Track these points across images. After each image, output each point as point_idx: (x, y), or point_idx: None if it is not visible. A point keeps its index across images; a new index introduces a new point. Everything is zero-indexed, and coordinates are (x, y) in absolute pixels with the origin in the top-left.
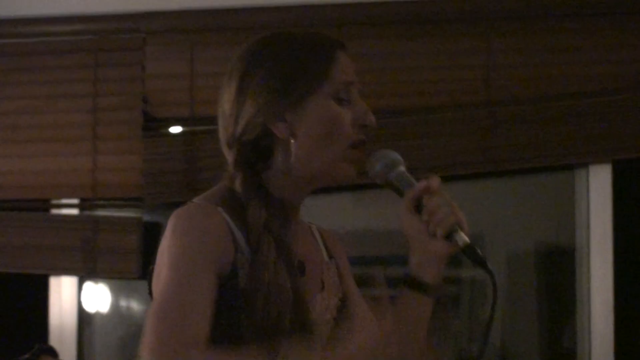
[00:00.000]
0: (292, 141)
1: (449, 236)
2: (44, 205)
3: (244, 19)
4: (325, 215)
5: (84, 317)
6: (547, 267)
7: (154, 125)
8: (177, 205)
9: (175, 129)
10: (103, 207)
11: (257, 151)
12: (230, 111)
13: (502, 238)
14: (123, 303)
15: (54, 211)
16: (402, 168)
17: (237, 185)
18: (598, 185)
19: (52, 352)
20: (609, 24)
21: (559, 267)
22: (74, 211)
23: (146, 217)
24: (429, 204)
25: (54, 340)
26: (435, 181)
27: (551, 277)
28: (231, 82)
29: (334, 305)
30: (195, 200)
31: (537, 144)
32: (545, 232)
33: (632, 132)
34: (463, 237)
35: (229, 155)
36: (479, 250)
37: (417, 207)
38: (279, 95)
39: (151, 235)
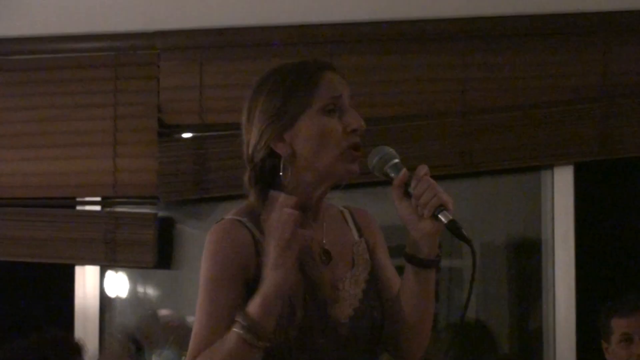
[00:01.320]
0: (293, 155)
1: (435, 216)
2: (70, 202)
3: (248, 37)
4: None
5: (105, 302)
6: (517, 257)
7: (167, 131)
8: (188, 202)
9: (187, 135)
10: (122, 204)
11: (266, 168)
12: (244, 137)
13: (477, 231)
14: (140, 289)
15: (79, 208)
16: (397, 160)
17: (252, 198)
18: (561, 185)
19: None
20: (569, 43)
21: (527, 257)
22: (97, 208)
23: (161, 213)
24: (416, 189)
25: (78, 323)
26: (422, 169)
27: (520, 265)
28: (243, 113)
29: (364, 279)
30: (228, 215)
31: (507, 148)
32: (515, 226)
33: (591, 137)
34: (447, 215)
35: (246, 173)
36: (460, 225)
37: (407, 192)
38: (275, 120)
39: (165, 229)
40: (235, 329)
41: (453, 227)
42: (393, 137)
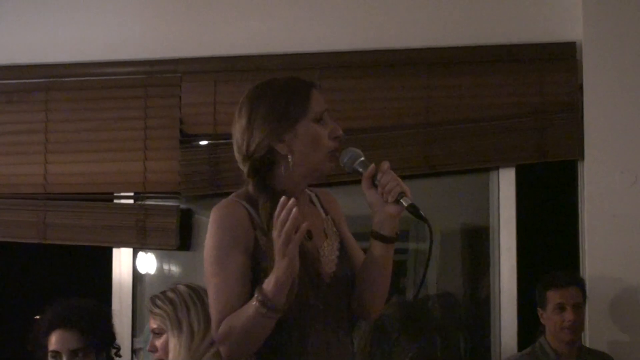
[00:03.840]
0: (290, 154)
1: (397, 201)
2: (109, 197)
3: (252, 63)
4: None
5: (137, 278)
6: (470, 240)
7: (187, 139)
8: (204, 197)
9: (203, 142)
10: (151, 198)
11: (264, 163)
12: (242, 138)
13: (437, 220)
14: (165, 267)
15: (116, 201)
16: (363, 158)
17: (251, 187)
18: (505, 183)
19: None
20: (512, 69)
21: (477, 240)
22: (130, 201)
23: (182, 206)
24: (382, 180)
25: (115, 294)
26: (385, 164)
27: (472, 247)
28: (241, 118)
29: (336, 247)
30: (228, 197)
31: (462, 154)
32: (468, 216)
33: (529, 145)
34: (407, 200)
35: (244, 168)
36: (418, 208)
37: (374, 183)
38: (277, 125)
39: (186, 218)
40: (254, 302)
41: (413, 209)
42: (370, 144)
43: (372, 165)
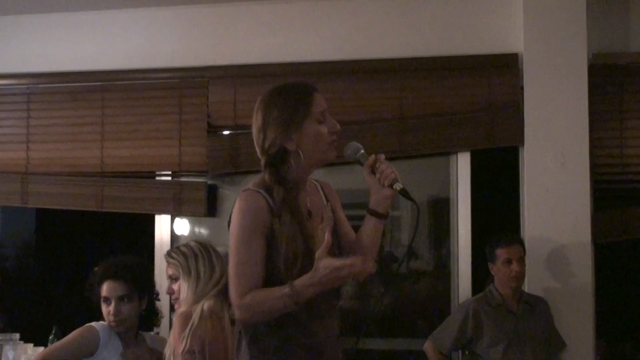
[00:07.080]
0: (298, 149)
1: (391, 185)
2: (152, 175)
3: (264, 70)
4: None
5: (174, 239)
6: (434, 209)
7: (213, 130)
8: (226, 175)
9: (226, 132)
10: (185, 176)
11: (277, 157)
12: (258, 136)
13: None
14: (196, 230)
15: (157, 178)
16: (363, 151)
17: (267, 177)
18: (462, 164)
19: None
20: (469, 74)
21: (441, 210)
22: (168, 178)
23: (209, 182)
24: (380, 167)
25: (157, 253)
26: (381, 156)
27: (436, 215)
28: (257, 120)
29: (329, 230)
30: (248, 186)
31: (428, 141)
32: (433, 190)
33: (481, 134)
34: (399, 185)
35: (262, 160)
36: (408, 191)
37: (372, 170)
38: (287, 125)
39: (212, 191)
40: (284, 295)
41: (403, 192)
42: (356, 134)
43: (372, 156)
